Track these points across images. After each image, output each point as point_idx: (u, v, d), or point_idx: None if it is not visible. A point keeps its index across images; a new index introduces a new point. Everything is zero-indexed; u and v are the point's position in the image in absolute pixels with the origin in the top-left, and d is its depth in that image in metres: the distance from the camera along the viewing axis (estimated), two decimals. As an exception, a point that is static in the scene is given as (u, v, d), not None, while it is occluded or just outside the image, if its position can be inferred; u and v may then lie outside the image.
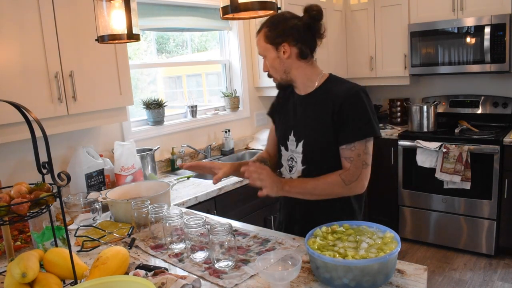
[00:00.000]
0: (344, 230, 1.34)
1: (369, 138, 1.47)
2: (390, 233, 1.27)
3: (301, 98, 1.60)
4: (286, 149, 1.64)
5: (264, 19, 1.53)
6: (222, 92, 3.48)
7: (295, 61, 1.54)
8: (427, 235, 3.66)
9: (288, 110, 1.67)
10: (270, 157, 1.79)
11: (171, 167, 2.91)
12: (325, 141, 1.51)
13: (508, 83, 3.69)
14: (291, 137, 1.61)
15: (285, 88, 1.64)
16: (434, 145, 3.39)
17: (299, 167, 1.58)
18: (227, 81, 3.56)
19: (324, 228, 1.35)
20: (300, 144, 1.57)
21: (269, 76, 1.61)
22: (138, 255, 1.49)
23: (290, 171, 1.62)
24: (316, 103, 1.54)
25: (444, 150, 3.33)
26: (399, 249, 1.18)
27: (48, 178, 1.18)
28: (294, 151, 1.59)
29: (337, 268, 1.14)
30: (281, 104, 1.73)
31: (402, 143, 3.64)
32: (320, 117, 1.52)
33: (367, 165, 1.47)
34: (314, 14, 1.50)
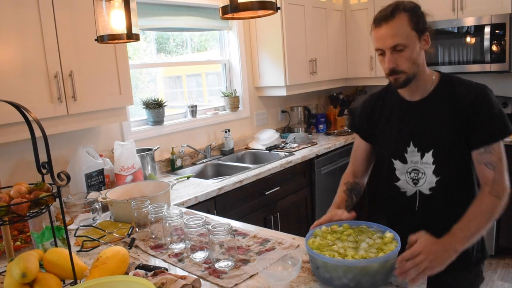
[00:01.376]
0: (343, 230, 1.34)
1: (503, 141, 1.34)
2: (390, 233, 1.27)
3: (412, 104, 1.46)
4: (404, 161, 1.48)
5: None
6: (222, 92, 3.48)
7: (423, 55, 1.41)
8: (427, 235, 3.65)
9: (392, 120, 1.51)
10: (358, 177, 1.66)
11: (171, 167, 2.91)
12: (457, 148, 1.38)
13: (508, 83, 3.69)
14: (411, 148, 1.45)
15: (406, 85, 1.41)
16: (434, 145, 3.39)
17: (430, 178, 1.43)
18: (227, 81, 3.56)
19: (324, 228, 1.35)
20: (428, 155, 1.42)
21: (393, 72, 1.38)
22: (138, 255, 1.49)
23: (416, 183, 1.47)
24: (438, 108, 1.40)
25: (444, 150, 3.32)
26: (399, 249, 1.18)
27: (48, 178, 1.18)
28: (419, 162, 1.44)
29: (337, 268, 1.14)
30: (375, 114, 1.57)
31: (402, 143, 3.63)
32: (447, 122, 1.37)
33: (506, 169, 1.32)
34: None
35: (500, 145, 1.33)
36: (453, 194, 1.42)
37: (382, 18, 1.36)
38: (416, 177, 1.46)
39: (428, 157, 1.42)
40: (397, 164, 1.50)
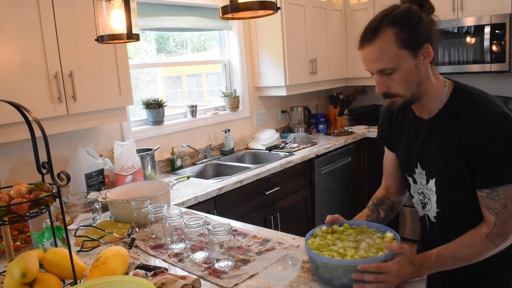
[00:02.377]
0: (344, 230, 1.33)
1: None
2: (391, 233, 1.26)
3: (422, 122, 1.28)
4: (414, 181, 1.36)
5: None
6: (222, 92, 3.48)
7: (428, 68, 1.18)
8: (427, 235, 3.65)
9: (406, 134, 1.36)
10: (390, 193, 1.50)
11: (171, 167, 2.91)
12: (461, 182, 1.19)
13: (508, 83, 3.69)
14: (418, 170, 1.32)
15: (407, 107, 1.25)
16: (434, 145, 3.39)
17: (434, 206, 1.30)
18: (227, 81, 3.56)
19: (324, 228, 1.34)
20: (432, 181, 1.27)
21: (388, 96, 1.20)
22: (138, 255, 1.49)
23: (424, 207, 1.36)
24: (444, 130, 1.21)
25: (444, 150, 3.32)
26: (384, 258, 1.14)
27: (48, 178, 1.18)
28: (425, 186, 1.31)
29: (337, 268, 1.13)
30: (393, 122, 1.42)
31: (402, 143, 3.63)
32: (452, 150, 1.19)
33: None
34: (430, 4, 1.19)
35: (509, 189, 1.11)
36: (459, 227, 1.22)
37: (364, 39, 1.17)
38: (423, 201, 1.35)
39: (432, 184, 1.27)
40: (411, 182, 1.38)
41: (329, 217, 1.35)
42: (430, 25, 1.17)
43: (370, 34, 1.15)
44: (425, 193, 1.32)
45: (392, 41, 1.12)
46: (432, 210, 1.32)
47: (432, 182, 1.28)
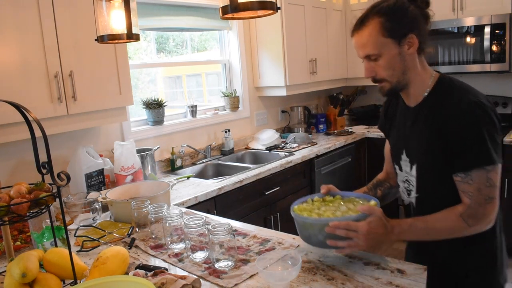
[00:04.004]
0: (334, 200, 1.41)
1: (492, 167, 1.17)
2: (374, 201, 1.31)
3: (409, 110, 1.35)
4: (400, 169, 1.41)
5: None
6: (222, 92, 3.48)
7: (414, 58, 1.28)
8: (427, 235, 3.65)
9: (397, 122, 1.43)
10: (390, 178, 1.57)
11: (171, 167, 2.91)
12: (439, 167, 1.25)
13: (508, 83, 3.69)
14: (404, 157, 1.37)
15: (395, 94, 1.36)
16: (434, 145, 3.39)
17: (414, 194, 1.37)
18: (227, 81, 3.56)
19: (316, 197, 1.43)
20: (414, 168, 1.33)
21: (376, 81, 1.31)
22: (138, 255, 1.49)
23: (409, 195, 1.41)
24: (426, 119, 1.28)
25: (444, 150, 3.32)
26: (363, 217, 1.22)
27: (48, 178, 1.18)
28: (409, 173, 1.36)
29: (313, 226, 1.23)
30: (389, 111, 1.49)
31: (402, 143, 3.63)
32: (431, 136, 1.26)
33: (492, 199, 1.19)
34: (426, 4, 1.27)
35: (482, 173, 1.17)
36: (437, 211, 1.26)
37: (354, 27, 1.28)
38: (408, 188, 1.39)
39: (414, 170, 1.34)
40: (398, 170, 1.43)
41: (323, 187, 1.44)
42: (417, 17, 1.24)
43: (359, 23, 1.27)
44: (409, 180, 1.38)
45: (377, 29, 1.23)
46: (413, 197, 1.38)
47: (414, 168, 1.34)
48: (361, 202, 1.35)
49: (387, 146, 1.57)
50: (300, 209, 1.35)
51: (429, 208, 1.28)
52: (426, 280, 1.17)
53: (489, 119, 1.18)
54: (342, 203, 1.36)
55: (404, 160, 1.37)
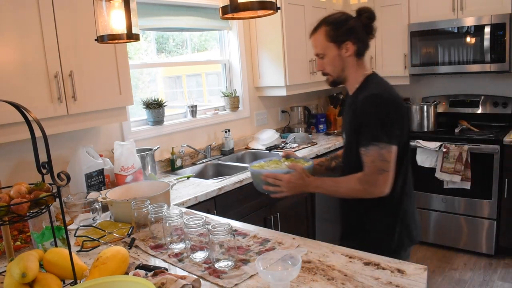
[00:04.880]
0: (285, 160, 1.80)
1: (384, 145, 1.46)
2: (308, 163, 1.71)
3: (348, 98, 1.72)
4: (342, 148, 1.80)
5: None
6: (222, 92, 3.48)
7: (353, 60, 1.63)
8: (427, 235, 3.66)
9: (345, 109, 1.78)
10: None
11: (171, 167, 2.91)
12: (355, 145, 1.55)
13: (508, 83, 3.69)
14: (343, 135, 1.74)
15: (337, 85, 1.73)
16: (434, 144, 3.39)
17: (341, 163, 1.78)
18: (227, 81, 3.56)
19: (274, 159, 1.83)
20: (344, 143, 1.73)
21: (324, 74, 1.71)
22: (138, 255, 1.49)
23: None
24: (350, 106, 1.62)
25: (444, 149, 3.33)
26: (305, 167, 1.65)
27: (48, 178, 1.18)
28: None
29: (257, 176, 1.64)
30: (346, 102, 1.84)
31: (402, 143, 3.63)
32: (352, 119, 1.59)
33: (384, 171, 1.47)
34: (368, 15, 1.64)
35: (375, 149, 1.46)
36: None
37: (311, 31, 1.68)
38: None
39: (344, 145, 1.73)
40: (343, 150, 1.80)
41: (284, 153, 1.89)
42: (356, 28, 1.62)
43: (314, 29, 1.67)
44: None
45: (323, 35, 1.63)
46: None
47: (344, 143, 1.72)
48: (301, 163, 1.72)
49: None
50: (256, 166, 1.74)
51: (347, 174, 1.61)
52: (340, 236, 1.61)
53: (384, 108, 1.50)
54: (286, 163, 1.75)
55: (343, 137, 1.75)
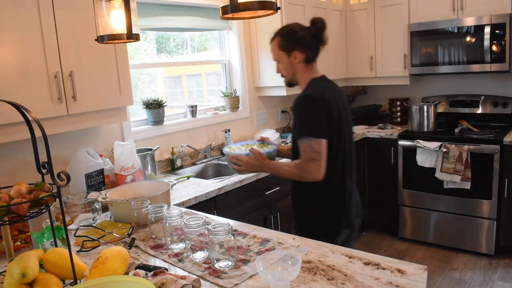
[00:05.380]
0: (258, 145, 2.10)
1: (312, 138, 1.72)
2: (269, 148, 2.04)
3: None
4: None
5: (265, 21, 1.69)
6: (222, 92, 3.48)
7: (302, 65, 1.87)
8: (427, 235, 3.66)
9: None
10: None
11: (171, 167, 2.91)
12: (296, 136, 1.83)
13: (508, 83, 3.69)
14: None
15: (292, 86, 1.98)
16: (434, 144, 3.39)
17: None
18: (227, 81, 3.56)
19: (249, 143, 2.13)
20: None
21: (282, 76, 1.97)
22: (138, 255, 1.49)
23: None
24: (295, 104, 1.85)
25: (444, 150, 3.33)
26: (270, 151, 1.98)
27: (48, 178, 1.18)
28: None
29: (227, 156, 1.98)
30: None
31: (402, 143, 3.64)
32: (294, 116, 1.85)
33: (314, 160, 1.73)
34: (319, 26, 1.85)
35: (305, 142, 1.74)
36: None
37: (270, 40, 1.93)
38: None
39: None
40: None
41: (260, 137, 2.17)
42: (304, 39, 1.84)
43: (271, 39, 1.92)
44: None
45: (276, 45, 1.89)
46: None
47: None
48: (268, 147, 2.06)
49: None
50: (228, 148, 2.06)
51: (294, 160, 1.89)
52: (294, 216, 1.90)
53: (312, 108, 1.75)
54: (255, 147, 2.04)
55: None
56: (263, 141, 2.15)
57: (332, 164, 1.78)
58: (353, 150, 1.95)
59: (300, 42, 1.83)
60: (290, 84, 1.97)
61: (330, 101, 1.77)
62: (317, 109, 1.74)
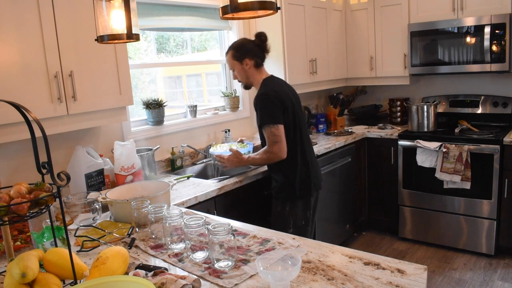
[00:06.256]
0: (239, 145, 2.61)
1: (272, 125, 2.23)
2: (246, 147, 2.56)
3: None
4: None
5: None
6: (222, 92, 3.48)
7: (253, 70, 2.38)
8: (427, 235, 3.66)
9: None
10: None
11: (171, 167, 2.91)
12: (260, 129, 2.35)
13: (508, 83, 3.69)
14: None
15: (248, 88, 2.51)
16: (434, 145, 3.39)
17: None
18: (227, 81, 3.56)
19: (232, 143, 2.65)
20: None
21: (238, 81, 2.46)
22: (138, 255, 1.49)
23: None
24: (255, 102, 2.33)
25: (444, 150, 3.33)
26: (248, 149, 2.52)
27: (48, 178, 1.18)
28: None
29: (212, 155, 2.51)
30: None
31: (402, 143, 3.64)
32: (256, 111, 2.34)
33: (276, 142, 2.24)
34: (263, 38, 2.36)
35: (267, 128, 2.24)
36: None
37: (226, 53, 2.43)
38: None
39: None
40: None
41: (239, 139, 2.73)
42: (251, 48, 2.35)
43: (226, 52, 2.41)
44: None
45: (230, 56, 2.39)
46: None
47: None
48: (246, 146, 2.57)
49: None
50: (215, 149, 2.59)
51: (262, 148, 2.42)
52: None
53: (267, 102, 2.25)
54: (233, 147, 2.54)
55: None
56: (242, 141, 2.69)
57: (292, 143, 2.31)
58: (307, 131, 2.51)
59: (249, 52, 2.33)
60: (246, 87, 2.46)
61: (282, 94, 2.29)
62: (272, 102, 2.24)
